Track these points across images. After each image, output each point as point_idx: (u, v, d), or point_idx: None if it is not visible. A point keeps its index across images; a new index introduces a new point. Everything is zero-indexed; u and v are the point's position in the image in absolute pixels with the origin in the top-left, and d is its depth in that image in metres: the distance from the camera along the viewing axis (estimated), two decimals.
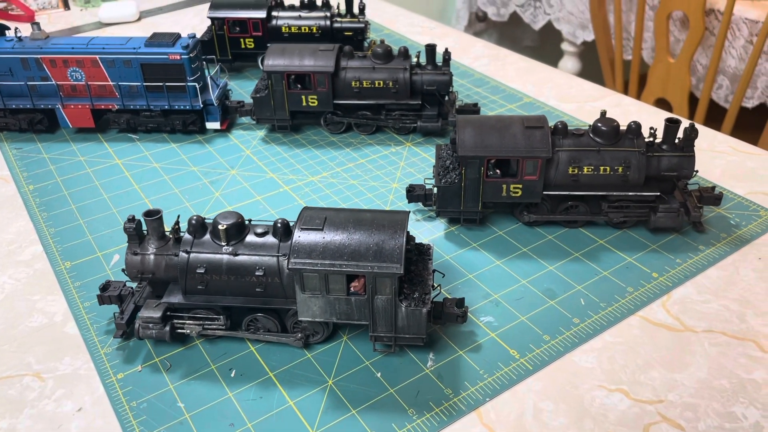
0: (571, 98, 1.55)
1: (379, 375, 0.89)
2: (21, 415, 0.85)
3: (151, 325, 0.91)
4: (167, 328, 0.91)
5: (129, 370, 0.91)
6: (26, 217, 1.22)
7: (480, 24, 4.08)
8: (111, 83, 1.39)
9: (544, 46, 4.31)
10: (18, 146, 1.43)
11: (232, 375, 0.90)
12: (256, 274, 0.87)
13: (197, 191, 1.27)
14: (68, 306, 1.02)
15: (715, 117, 2.83)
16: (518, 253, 1.09)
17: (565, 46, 3.64)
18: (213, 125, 1.44)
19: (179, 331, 0.92)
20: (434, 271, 0.94)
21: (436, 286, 0.93)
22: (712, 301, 0.99)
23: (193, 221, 0.89)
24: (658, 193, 1.07)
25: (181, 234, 0.91)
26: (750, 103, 2.80)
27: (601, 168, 1.06)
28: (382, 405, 0.85)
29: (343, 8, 1.68)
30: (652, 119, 1.43)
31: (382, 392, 0.87)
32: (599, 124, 1.07)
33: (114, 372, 0.91)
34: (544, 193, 1.09)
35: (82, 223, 1.20)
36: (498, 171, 1.09)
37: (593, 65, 4.16)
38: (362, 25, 1.64)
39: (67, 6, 2.20)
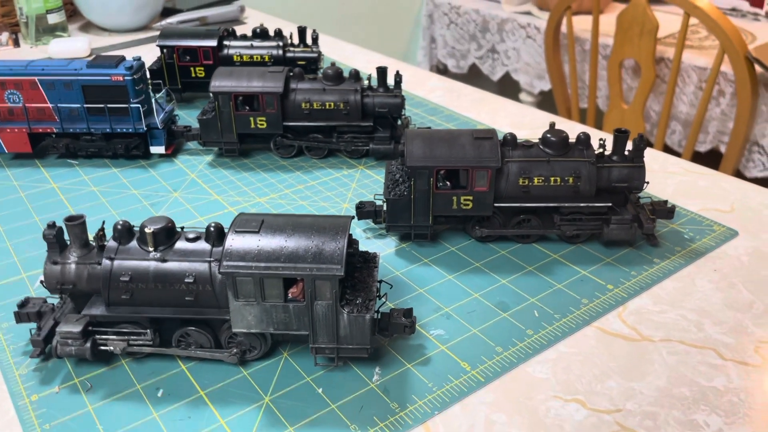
0: (525, 125, 1.54)
1: (320, 391, 0.83)
2: None
3: (70, 341, 0.83)
4: (88, 345, 0.83)
5: (45, 391, 0.83)
6: None
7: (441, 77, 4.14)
8: (50, 106, 1.34)
9: (504, 96, 4.39)
10: None
11: (159, 394, 0.82)
12: (186, 281, 0.81)
13: (136, 213, 1.21)
14: None
15: None
16: (470, 268, 1.05)
17: (523, 96, 3.72)
18: (158, 150, 1.39)
19: (102, 348, 0.85)
20: (381, 281, 0.89)
21: (381, 295, 0.87)
22: (669, 311, 0.95)
23: (119, 226, 0.83)
24: (610, 204, 1.05)
25: (106, 242, 0.85)
26: (703, 148, 2.87)
27: (552, 179, 1.04)
28: (322, 421, 0.78)
29: (296, 38, 1.68)
30: None
31: (323, 408, 0.80)
32: (548, 135, 1.05)
33: (28, 394, 0.83)
34: (496, 205, 1.05)
35: (9, 245, 1.12)
36: (448, 183, 1.06)
37: (551, 114, 4.24)
38: (315, 55, 1.63)
39: (17, 44, 2.16)
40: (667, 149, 2.95)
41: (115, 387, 0.84)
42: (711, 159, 2.95)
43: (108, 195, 1.27)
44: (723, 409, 0.79)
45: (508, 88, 4.24)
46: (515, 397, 0.81)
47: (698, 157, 2.95)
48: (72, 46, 1.98)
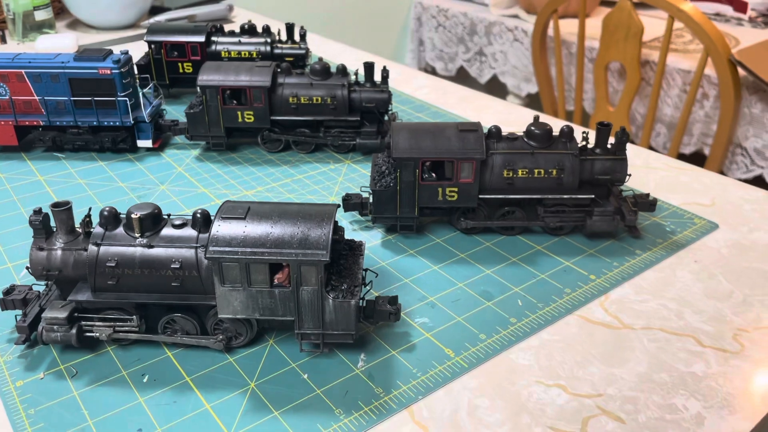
0: (511, 123, 1.56)
1: (305, 376, 0.83)
2: None
3: (56, 327, 0.83)
4: (74, 331, 0.83)
5: (30, 377, 0.83)
6: None
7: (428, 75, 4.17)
8: (37, 99, 1.34)
9: None
10: None
11: (145, 380, 0.83)
12: (172, 267, 0.82)
13: (123, 205, 1.21)
14: None
15: None
16: (455, 259, 1.06)
17: (510, 98, 3.74)
18: (145, 143, 1.39)
19: (88, 334, 0.85)
20: (366, 269, 0.90)
21: (367, 282, 0.88)
22: (650, 300, 0.97)
23: (105, 213, 0.83)
24: (593, 197, 1.07)
25: (93, 228, 0.85)
26: (687, 150, 2.90)
27: (536, 171, 1.05)
28: (308, 406, 0.79)
29: (284, 35, 1.68)
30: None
31: (308, 393, 0.81)
32: (532, 128, 1.07)
33: (12, 380, 0.83)
34: (480, 197, 1.07)
35: None
36: (433, 174, 1.07)
37: (538, 112, 4.27)
38: (303, 52, 1.64)
39: (3, 40, 2.15)
40: (652, 151, 2.98)
41: (101, 373, 0.84)
42: (695, 161, 2.97)
43: (95, 187, 1.27)
44: (702, 393, 0.81)
45: (495, 90, 4.26)
46: (498, 382, 0.82)
47: (683, 159, 2.98)
48: (59, 43, 1.97)
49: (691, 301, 0.97)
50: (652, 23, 3.18)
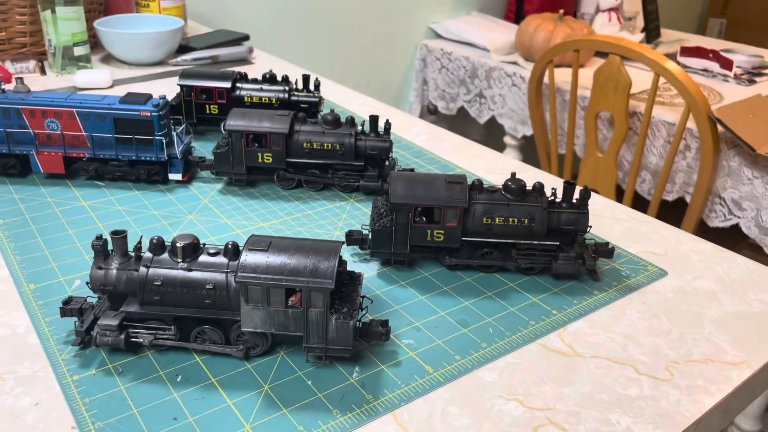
0: (498, 171, 1.75)
1: (309, 383, 1.02)
2: None
3: (108, 332, 1.02)
4: (122, 336, 1.02)
5: (84, 373, 1.01)
6: None
7: (431, 116, 4.40)
8: (84, 134, 1.54)
9: (489, 138, 4.64)
10: None
11: (179, 379, 1.01)
12: (207, 287, 1.01)
13: (156, 231, 1.40)
14: (30, 320, 1.12)
15: (639, 208, 3.12)
16: (439, 291, 1.25)
17: (507, 139, 3.95)
18: (175, 176, 1.59)
19: (133, 339, 1.04)
20: (363, 296, 1.08)
21: (363, 307, 1.07)
22: (601, 334, 1.15)
23: (154, 241, 1.03)
24: (559, 243, 1.26)
25: (143, 253, 1.04)
26: (670, 197, 3.10)
27: (510, 219, 1.24)
28: (311, 406, 0.97)
29: (300, 84, 1.89)
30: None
31: (312, 396, 0.99)
32: (509, 183, 1.26)
33: (70, 374, 1.01)
34: (463, 239, 1.26)
35: (47, 253, 1.31)
36: (424, 218, 1.26)
37: (532, 157, 4.49)
38: (317, 100, 1.84)
39: (43, 71, 2.36)
40: (638, 197, 3.18)
41: (142, 372, 1.02)
42: (677, 208, 3.17)
43: (131, 214, 1.46)
44: (633, 411, 0.99)
45: (493, 131, 4.47)
46: (467, 395, 1.01)
47: (665, 206, 3.17)
48: (96, 78, 2.18)
49: (634, 336, 1.15)
50: (641, 75, 3.39)
